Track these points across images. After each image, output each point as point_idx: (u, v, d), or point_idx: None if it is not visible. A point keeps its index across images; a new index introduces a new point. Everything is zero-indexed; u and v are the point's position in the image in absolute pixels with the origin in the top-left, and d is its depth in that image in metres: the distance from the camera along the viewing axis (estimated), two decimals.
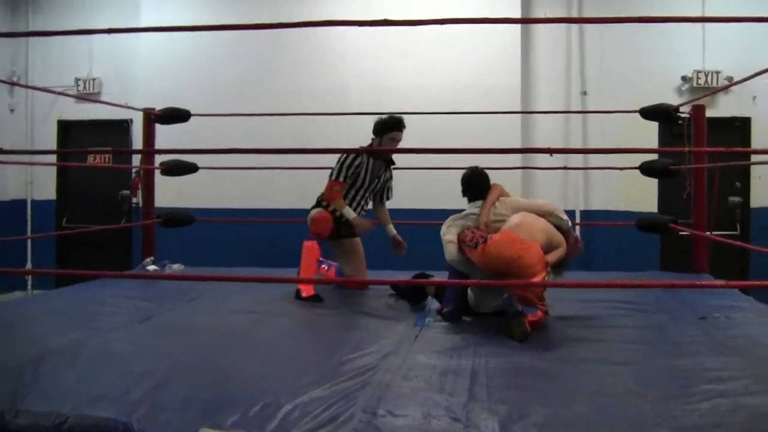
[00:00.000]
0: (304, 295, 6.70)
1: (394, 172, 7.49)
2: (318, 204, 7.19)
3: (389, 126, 6.99)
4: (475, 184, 6.32)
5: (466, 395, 3.81)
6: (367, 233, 7.07)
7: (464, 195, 6.40)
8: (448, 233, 6.06)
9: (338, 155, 7.07)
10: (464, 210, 6.29)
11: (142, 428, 3.42)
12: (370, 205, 7.38)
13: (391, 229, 7.36)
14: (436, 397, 3.78)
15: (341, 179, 6.96)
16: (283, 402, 3.62)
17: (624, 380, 4.18)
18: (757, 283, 7.53)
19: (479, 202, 6.20)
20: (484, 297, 5.98)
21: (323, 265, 7.36)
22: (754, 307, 6.21)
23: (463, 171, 6.43)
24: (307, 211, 7.23)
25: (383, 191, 7.39)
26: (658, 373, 4.39)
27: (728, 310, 5.99)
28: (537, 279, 5.43)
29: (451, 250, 5.97)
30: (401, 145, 7.05)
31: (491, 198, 6.13)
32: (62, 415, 3.50)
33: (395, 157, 7.36)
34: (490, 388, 3.94)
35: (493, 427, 3.37)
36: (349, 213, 6.97)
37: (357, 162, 6.99)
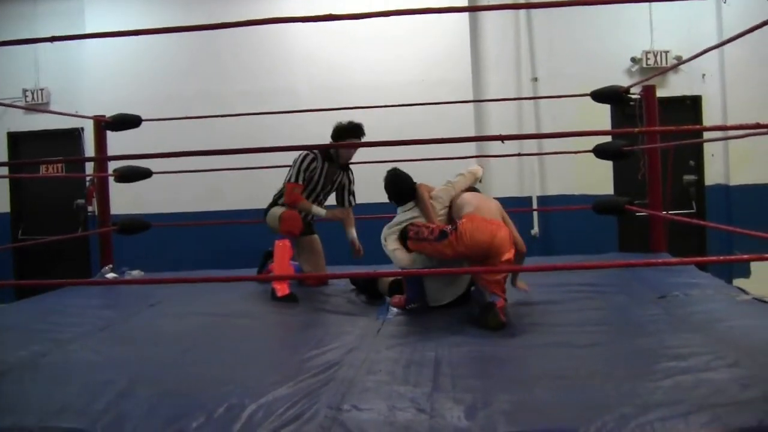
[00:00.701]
0: (279, 294, 6.64)
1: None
2: (275, 202, 7.19)
3: (346, 132, 6.87)
4: (401, 188, 6.19)
5: (430, 386, 3.82)
6: (343, 218, 7.05)
7: (391, 200, 6.26)
8: (390, 243, 5.95)
9: (294, 158, 7.02)
10: (396, 217, 6.19)
11: None
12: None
13: (352, 233, 7.31)
14: (400, 389, 3.78)
15: (299, 181, 6.90)
16: (248, 403, 3.61)
17: (587, 362, 4.21)
18: (713, 258, 7.57)
19: (410, 205, 6.12)
20: (442, 289, 5.96)
21: None
22: (712, 283, 6.28)
23: (385, 174, 6.31)
24: (263, 211, 7.22)
25: (344, 195, 7.34)
26: (621, 353, 4.43)
27: (686, 287, 6.04)
28: (507, 257, 5.45)
29: (400, 257, 5.84)
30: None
31: (426, 200, 6.04)
32: (26, 428, 3.47)
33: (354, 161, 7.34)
34: (454, 378, 3.95)
35: (458, 416, 3.37)
36: (319, 211, 6.95)
37: (312, 165, 6.94)
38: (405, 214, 6.09)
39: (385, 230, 6.07)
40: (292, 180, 6.91)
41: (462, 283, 6.00)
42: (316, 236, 7.43)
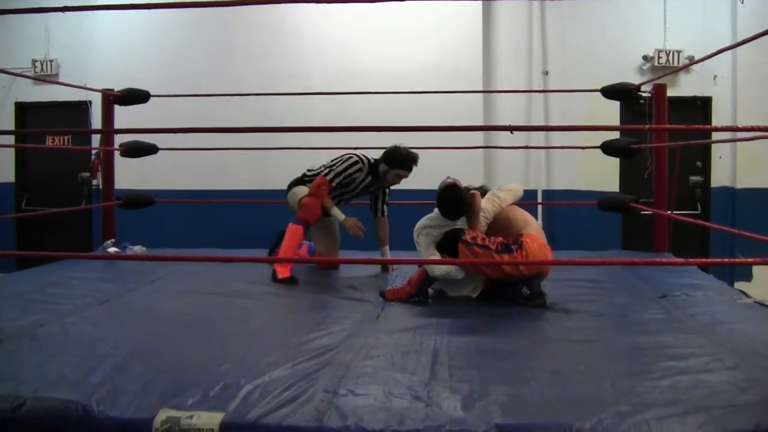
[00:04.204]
0: (279, 277, 6.64)
1: None
2: (302, 180, 7.14)
3: (400, 163, 6.85)
4: (459, 203, 5.91)
5: (427, 374, 3.82)
6: (359, 236, 6.82)
7: (445, 215, 5.98)
8: (427, 248, 5.87)
9: (341, 155, 7.00)
10: (432, 215, 6.06)
11: (102, 410, 3.38)
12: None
13: (386, 251, 7.30)
14: (397, 376, 3.78)
15: (333, 182, 6.86)
16: (244, 382, 3.61)
17: (585, 358, 4.20)
18: (717, 260, 7.61)
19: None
20: (458, 287, 5.93)
21: None
22: (714, 285, 6.27)
23: (440, 186, 6.01)
24: (287, 186, 7.17)
25: (377, 204, 7.30)
26: (620, 351, 4.42)
27: (688, 288, 6.03)
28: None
29: (436, 267, 5.71)
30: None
31: (479, 213, 5.85)
32: (20, 397, 3.46)
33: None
34: (451, 367, 3.94)
35: (454, 406, 3.36)
36: (338, 214, 6.84)
37: (355, 175, 6.92)
38: (444, 221, 5.96)
39: (422, 230, 5.98)
40: (327, 177, 6.87)
41: (477, 286, 5.97)
42: (332, 219, 7.39)
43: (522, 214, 5.98)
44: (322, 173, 6.93)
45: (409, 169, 6.89)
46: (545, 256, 5.67)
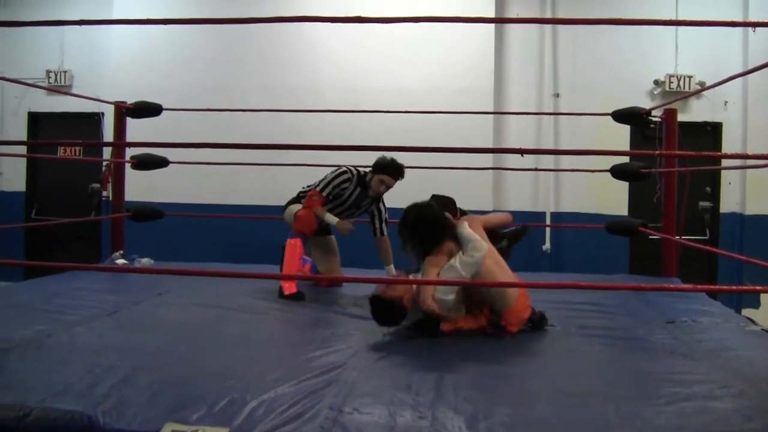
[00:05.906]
0: (286, 293, 6.64)
1: None
2: (297, 199, 7.18)
3: (382, 168, 6.87)
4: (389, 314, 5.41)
5: (432, 394, 3.80)
6: (350, 233, 6.89)
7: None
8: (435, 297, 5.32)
9: (330, 170, 7.03)
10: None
11: (108, 422, 3.39)
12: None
13: (391, 270, 7.25)
14: (402, 396, 3.77)
15: (323, 193, 6.90)
16: (249, 398, 3.61)
17: (590, 381, 4.19)
18: (724, 287, 7.56)
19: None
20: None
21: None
22: (721, 312, 6.23)
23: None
24: (282, 208, 7.21)
25: (375, 224, 7.27)
26: (624, 375, 4.41)
27: (695, 314, 6.00)
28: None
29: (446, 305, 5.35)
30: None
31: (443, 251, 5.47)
32: (26, 407, 3.46)
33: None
34: (456, 388, 3.92)
35: (459, 426, 3.36)
36: (331, 218, 6.87)
37: (344, 185, 6.96)
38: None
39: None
40: (317, 189, 6.92)
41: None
42: (332, 237, 7.44)
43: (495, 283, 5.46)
44: (314, 188, 6.99)
45: (393, 176, 6.90)
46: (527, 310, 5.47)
